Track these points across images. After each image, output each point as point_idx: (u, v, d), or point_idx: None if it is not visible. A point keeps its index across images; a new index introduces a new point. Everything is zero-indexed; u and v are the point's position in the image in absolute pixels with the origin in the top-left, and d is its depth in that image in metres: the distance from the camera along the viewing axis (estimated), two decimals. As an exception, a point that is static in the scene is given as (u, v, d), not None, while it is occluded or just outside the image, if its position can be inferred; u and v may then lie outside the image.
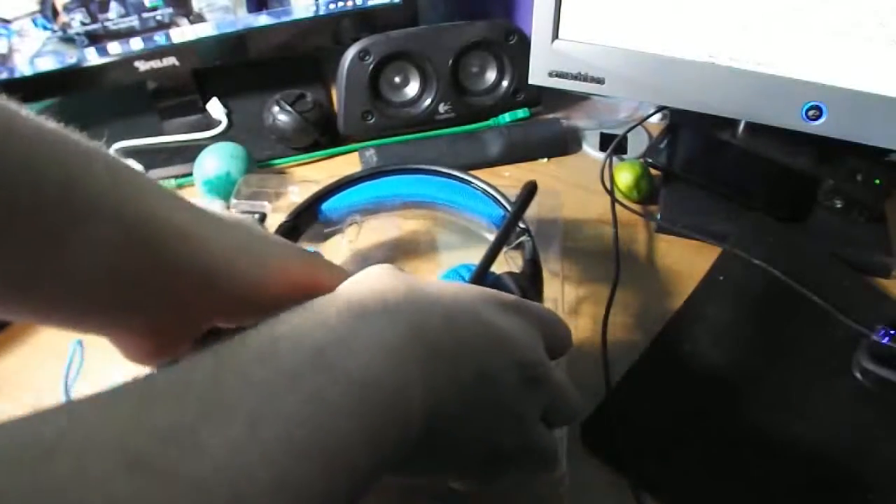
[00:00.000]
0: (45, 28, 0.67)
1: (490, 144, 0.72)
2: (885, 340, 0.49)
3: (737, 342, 0.53)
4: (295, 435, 0.22)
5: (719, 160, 0.67)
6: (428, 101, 0.73)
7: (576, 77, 0.60)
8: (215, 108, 0.78)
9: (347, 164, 0.73)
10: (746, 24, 0.53)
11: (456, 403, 0.28)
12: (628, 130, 0.72)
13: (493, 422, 0.30)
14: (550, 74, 0.61)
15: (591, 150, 0.73)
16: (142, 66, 0.72)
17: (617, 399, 0.49)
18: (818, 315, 0.53)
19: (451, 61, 0.71)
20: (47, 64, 0.69)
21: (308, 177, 0.68)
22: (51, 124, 0.28)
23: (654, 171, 0.66)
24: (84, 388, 0.51)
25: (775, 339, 0.53)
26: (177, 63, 0.73)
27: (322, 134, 0.73)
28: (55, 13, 0.67)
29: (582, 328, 0.54)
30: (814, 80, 0.53)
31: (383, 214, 0.55)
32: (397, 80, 0.73)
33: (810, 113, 0.54)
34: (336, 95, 0.74)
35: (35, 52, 0.68)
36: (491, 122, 0.75)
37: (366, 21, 0.75)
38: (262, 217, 0.54)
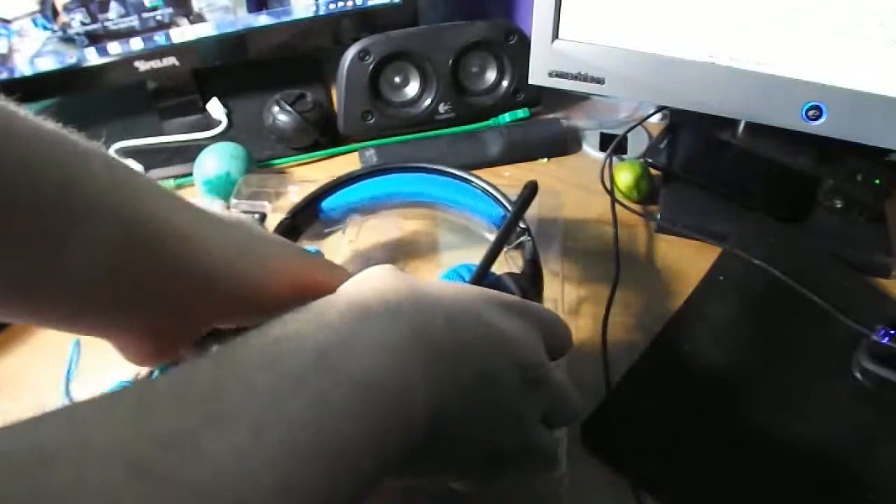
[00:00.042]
0: (45, 28, 0.67)
1: (490, 144, 0.72)
2: (885, 340, 0.49)
3: (737, 342, 0.52)
4: (299, 438, 0.21)
5: (719, 160, 0.67)
6: (428, 101, 0.73)
7: (576, 77, 0.60)
8: (215, 108, 0.78)
9: (347, 164, 0.73)
10: (746, 24, 0.53)
11: (457, 404, 0.28)
12: (628, 130, 0.72)
13: (493, 422, 0.30)
14: (550, 74, 0.61)
15: (591, 150, 0.73)
16: (142, 66, 0.72)
17: (617, 399, 0.49)
18: (818, 315, 0.53)
19: (451, 61, 0.71)
20: (47, 64, 0.69)
21: (308, 177, 0.68)
22: (49, 124, 0.28)
23: (654, 171, 0.66)
24: (84, 388, 0.51)
25: (775, 339, 0.53)
26: (177, 63, 0.73)
27: (322, 134, 0.73)
28: (55, 13, 0.67)
29: (582, 328, 0.54)
30: (814, 80, 0.53)
31: (383, 213, 0.55)
32: (397, 80, 0.73)
33: (810, 113, 0.54)
34: (336, 95, 0.74)
35: (35, 52, 0.68)
36: (491, 122, 0.75)
37: (366, 21, 0.75)
38: (262, 217, 0.54)
